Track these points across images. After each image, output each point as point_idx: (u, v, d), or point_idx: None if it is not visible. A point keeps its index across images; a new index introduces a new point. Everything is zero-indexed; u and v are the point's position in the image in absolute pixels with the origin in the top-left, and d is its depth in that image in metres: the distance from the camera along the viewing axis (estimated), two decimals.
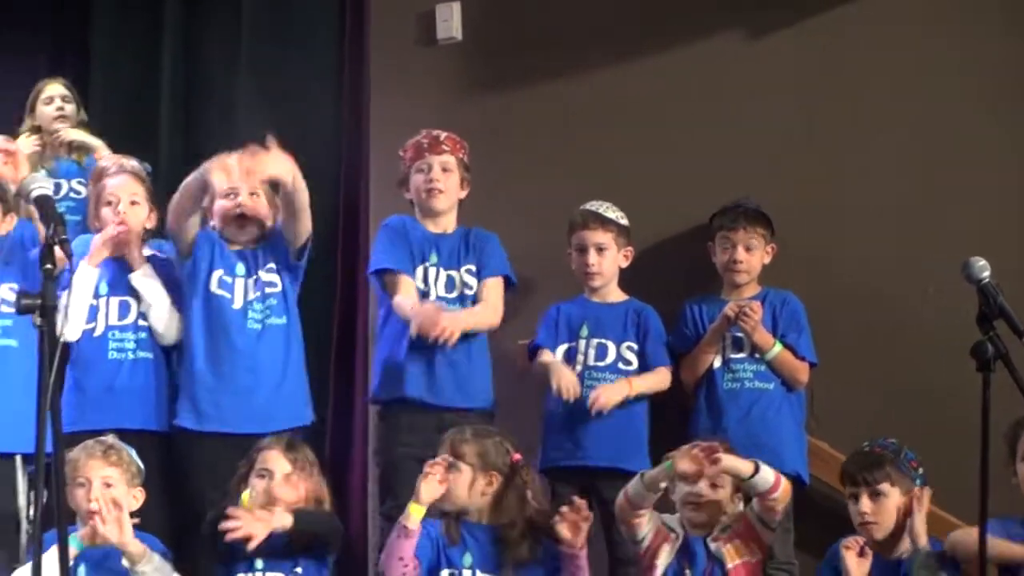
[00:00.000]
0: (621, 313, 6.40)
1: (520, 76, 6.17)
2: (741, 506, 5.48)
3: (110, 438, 5.53)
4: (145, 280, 6.07)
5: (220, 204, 6.12)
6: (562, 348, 6.37)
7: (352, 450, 7.31)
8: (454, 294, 6.23)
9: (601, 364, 6.31)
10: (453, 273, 6.24)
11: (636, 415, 6.26)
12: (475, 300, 6.22)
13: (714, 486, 5.44)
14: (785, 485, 5.33)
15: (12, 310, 5.63)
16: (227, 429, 5.91)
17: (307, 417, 6.07)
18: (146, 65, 8.26)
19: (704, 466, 5.30)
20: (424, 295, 6.18)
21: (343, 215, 7.45)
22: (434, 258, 6.24)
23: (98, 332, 6.03)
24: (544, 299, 6.57)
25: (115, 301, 6.07)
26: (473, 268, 6.26)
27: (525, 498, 5.43)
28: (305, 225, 6.03)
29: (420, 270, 6.22)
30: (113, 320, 6.05)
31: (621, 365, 6.31)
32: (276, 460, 5.45)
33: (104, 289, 6.07)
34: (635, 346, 6.33)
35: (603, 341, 6.34)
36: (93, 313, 6.03)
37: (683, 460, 5.33)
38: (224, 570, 5.39)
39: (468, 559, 5.36)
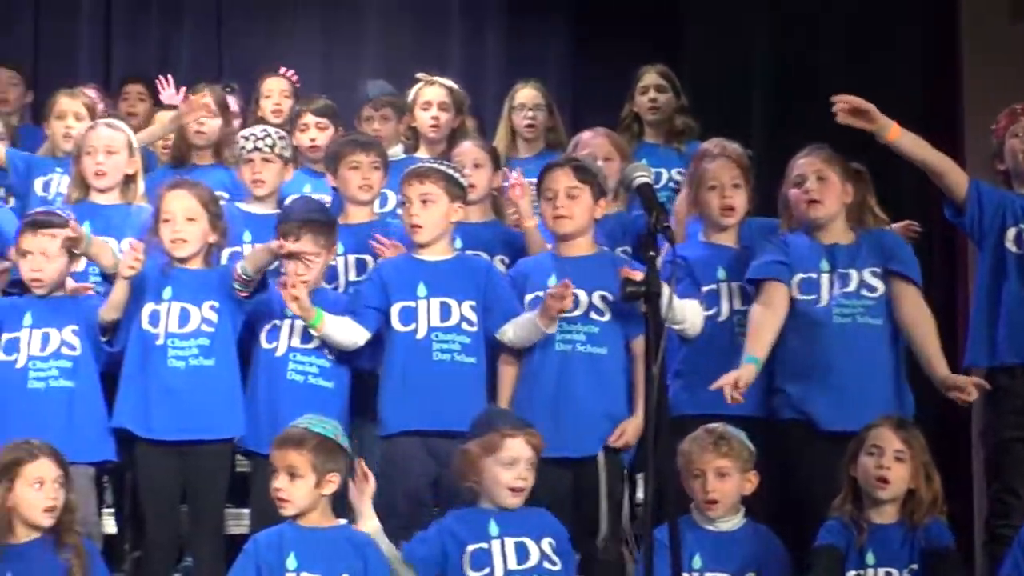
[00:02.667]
0: None
1: None
2: None
3: (720, 426, 5.52)
4: None
5: (792, 192, 6.05)
6: None
7: (958, 431, 7.25)
8: None
9: None
10: None
11: None
12: None
13: None
14: None
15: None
16: (828, 427, 5.79)
17: (908, 410, 5.88)
18: (737, 52, 8.38)
19: None
20: None
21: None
22: None
23: (723, 317, 6.07)
24: None
25: (737, 287, 6.09)
26: None
27: None
28: None
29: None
30: (738, 304, 6.06)
31: None
32: (887, 438, 5.41)
33: (723, 275, 6.11)
34: None
35: None
36: (715, 300, 6.07)
37: None
38: None
39: None
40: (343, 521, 5.30)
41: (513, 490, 5.29)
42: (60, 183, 6.83)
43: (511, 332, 5.90)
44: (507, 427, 5.35)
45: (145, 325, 5.88)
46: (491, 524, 5.30)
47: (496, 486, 5.31)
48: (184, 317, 5.88)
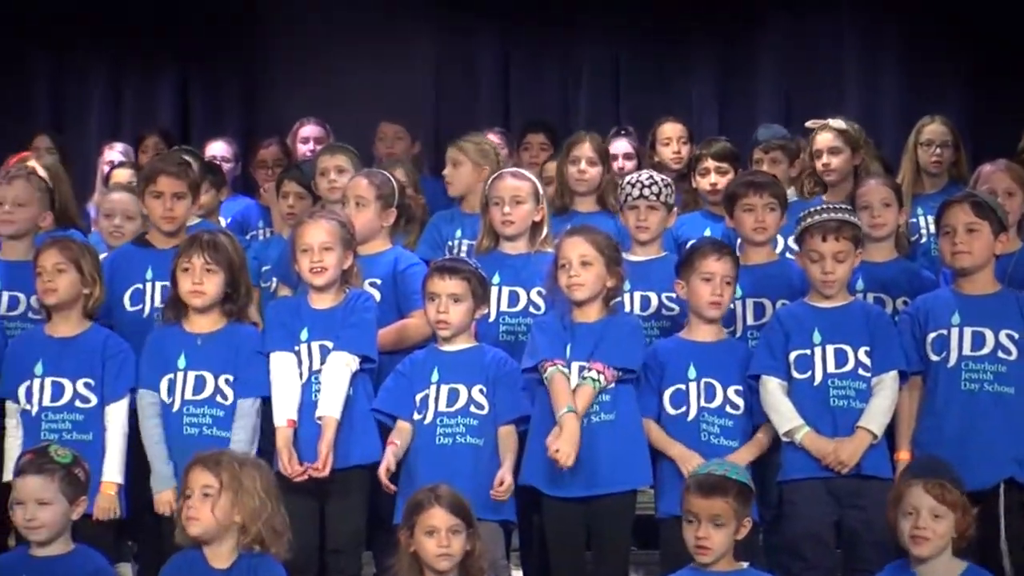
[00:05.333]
0: None
1: None
2: None
3: None
4: None
5: None
6: None
7: None
8: None
9: None
10: None
11: None
12: None
13: None
14: None
15: None
16: None
17: None
18: None
19: None
20: None
21: None
22: None
23: None
24: None
25: None
26: None
27: None
28: None
29: None
30: None
31: None
32: None
33: None
34: None
35: None
36: None
37: None
38: None
39: None
40: (745, 565, 5.27)
41: (913, 538, 5.17)
42: (461, 246, 7.02)
43: None
44: (912, 477, 5.26)
45: None
46: None
47: (901, 536, 5.21)
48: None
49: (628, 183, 6.64)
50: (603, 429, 5.86)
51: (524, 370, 5.94)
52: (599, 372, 5.82)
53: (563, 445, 5.69)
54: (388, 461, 5.84)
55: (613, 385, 5.87)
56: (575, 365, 5.89)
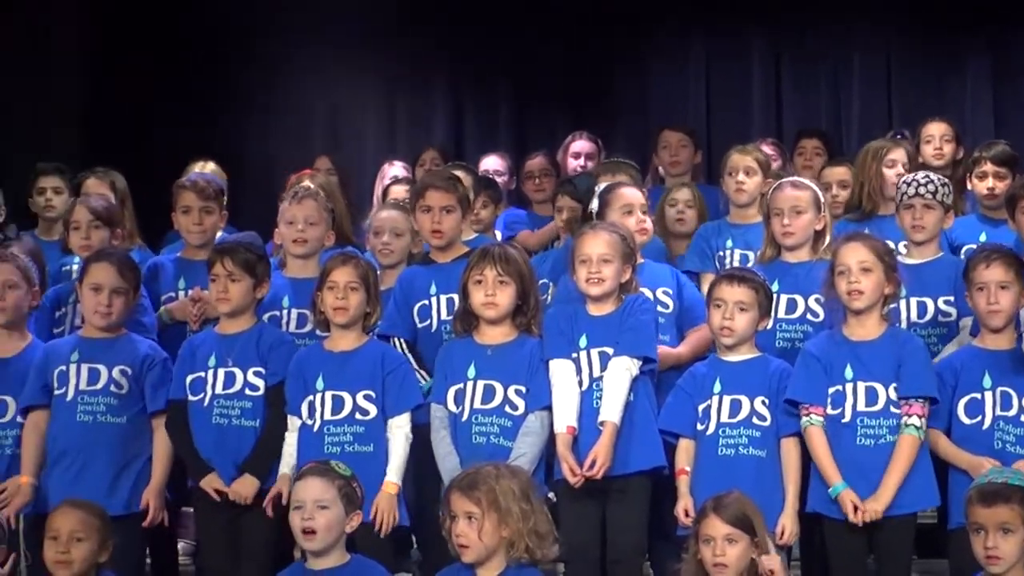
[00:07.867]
0: None
1: None
2: None
3: None
4: None
5: None
6: None
7: None
8: None
9: None
10: None
11: None
12: None
13: None
14: None
15: None
16: None
17: None
18: None
19: None
20: None
21: None
22: None
23: None
24: None
25: None
26: None
27: None
28: None
29: None
30: None
31: None
32: None
33: None
34: None
35: None
36: None
37: None
38: None
39: None
40: None
41: None
42: (732, 256, 7.03)
43: None
44: None
45: (829, 409, 5.88)
46: None
47: None
48: (872, 396, 5.85)
49: (904, 182, 6.60)
50: (887, 451, 5.79)
51: (786, 400, 5.90)
52: (920, 417, 5.78)
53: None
54: (685, 501, 5.86)
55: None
56: (860, 386, 5.82)
